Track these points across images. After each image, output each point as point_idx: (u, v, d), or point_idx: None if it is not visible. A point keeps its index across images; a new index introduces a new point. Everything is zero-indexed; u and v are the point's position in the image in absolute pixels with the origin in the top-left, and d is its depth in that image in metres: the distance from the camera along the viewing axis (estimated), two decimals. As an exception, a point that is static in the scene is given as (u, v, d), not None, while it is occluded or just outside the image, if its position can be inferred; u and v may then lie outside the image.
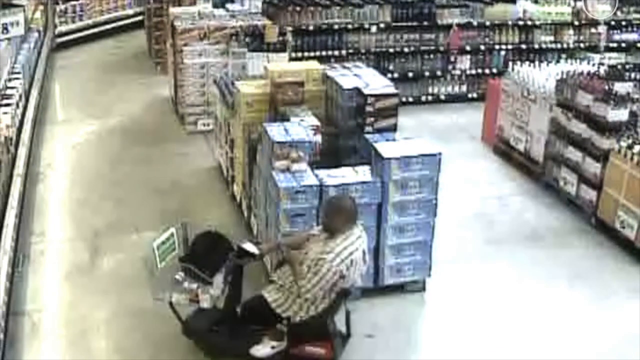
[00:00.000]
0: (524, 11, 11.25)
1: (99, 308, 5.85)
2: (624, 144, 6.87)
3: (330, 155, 6.27)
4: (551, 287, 6.23)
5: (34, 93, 9.95)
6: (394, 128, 6.22)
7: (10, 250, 5.78)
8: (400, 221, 5.80)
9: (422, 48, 10.93)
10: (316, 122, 6.24)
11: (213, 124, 9.11)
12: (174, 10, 10.84)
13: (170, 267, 5.25)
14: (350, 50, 10.65)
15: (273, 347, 5.03)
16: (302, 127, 6.03)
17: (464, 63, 11.12)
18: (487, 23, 11.12)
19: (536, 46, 11.27)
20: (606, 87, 7.14)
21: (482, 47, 11.14)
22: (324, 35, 10.58)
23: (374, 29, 10.71)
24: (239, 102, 6.96)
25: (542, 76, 8.36)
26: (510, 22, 11.20)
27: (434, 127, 9.70)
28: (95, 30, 15.24)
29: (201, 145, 9.29)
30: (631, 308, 5.89)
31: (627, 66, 10.10)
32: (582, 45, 11.38)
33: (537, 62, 8.99)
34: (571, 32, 11.36)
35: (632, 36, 11.56)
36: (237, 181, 7.35)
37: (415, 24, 10.86)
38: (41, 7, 13.23)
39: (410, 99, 10.83)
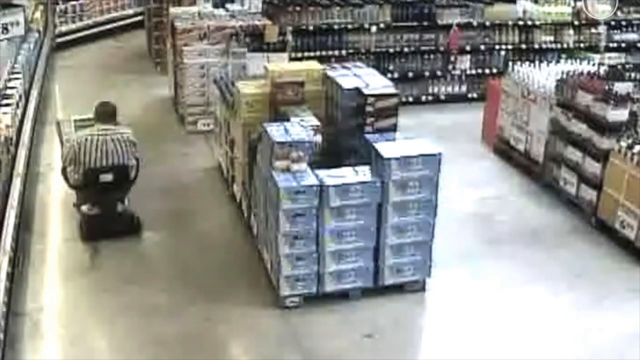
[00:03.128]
0: (524, 11, 11.25)
1: (99, 308, 5.85)
2: (624, 144, 6.87)
3: (330, 155, 6.28)
4: (551, 287, 6.23)
5: (34, 93, 9.94)
6: (394, 128, 6.22)
7: (10, 250, 5.78)
8: (400, 221, 5.80)
9: (422, 48, 10.94)
10: (316, 122, 6.24)
11: (213, 124, 9.11)
12: (174, 10, 10.85)
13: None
14: (350, 50, 10.66)
15: (89, 209, 6.84)
16: (302, 127, 6.03)
17: (464, 63, 11.12)
18: (487, 23, 11.13)
19: (536, 46, 11.27)
20: (606, 87, 7.14)
21: (482, 47, 11.14)
22: (324, 35, 10.58)
23: (374, 29, 10.71)
24: (239, 102, 6.96)
25: (542, 76, 8.37)
26: (510, 22, 11.21)
27: (434, 127, 9.68)
28: (95, 30, 15.25)
29: (201, 145, 9.29)
30: (631, 308, 5.89)
31: (627, 66, 10.12)
32: (582, 45, 11.38)
33: (537, 62, 8.98)
34: (571, 32, 11.36)
35: (632, 36, 11.56)
36: (237, 181, 7.35)
37: (415, 24, 10.87)
38: (41, 7, 13.24)
39: (410, 99, 10.82)
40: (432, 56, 11.02)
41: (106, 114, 6.89)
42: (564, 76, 7.84)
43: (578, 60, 9.20)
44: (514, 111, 8.67)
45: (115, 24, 15.67)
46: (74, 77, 12.56)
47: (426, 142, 5.97)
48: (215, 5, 11.09)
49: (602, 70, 8.16)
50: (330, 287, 5.83)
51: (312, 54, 10.40)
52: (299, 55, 10.30)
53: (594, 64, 8.96)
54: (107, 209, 6.86)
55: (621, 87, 7.08)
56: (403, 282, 6.01)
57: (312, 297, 5.81)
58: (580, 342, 5.53)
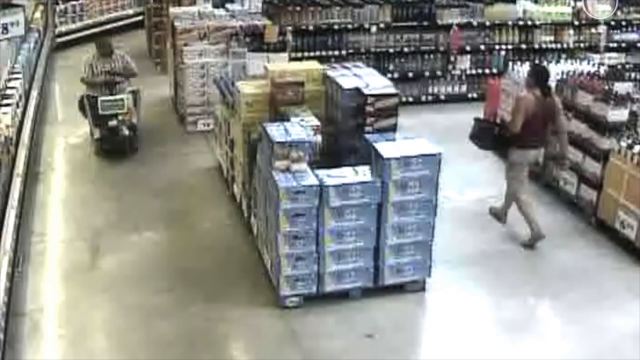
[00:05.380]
0: (524, 11, 11.26)
1: (99, 308, 5.86)
2: (624, 144, 6.87)
3: (330, 155, 6.28)
4: (551, 286, 6.23)
5: (34, 93, 9.94)
6: (394, 128, 6.23)
7: (10, 250, 5.79)
8: (400, 221, 5.80)
9: (422, 48, 10.94)
10: (316, 122, 6.24)
11: (213, 124, 9.11)
12: (174, 10, 10.85)
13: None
14: (350, 50, 10.66)
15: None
16: (302, 127, 6.03)
17: (464, 63, 11.12)
18: (487, 23, 11.13)
19: (536, 46, 11.28)
20: (606, 87, 7.14)
21: (482, 47, 11.15)
22: (324, 35, 10.59)
23: (374, 29, 10.71)
24: (239, 102, 6.96)
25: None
26: (510, 22, 11.22)
27: (434, 127, 9.67)
28: (95, 30, 15.21)
29: (201, 145, 9.29)
30: (631, 308, 5.89)
31: (627, 66, 10.11)
32: (582, 45, 11.38)
33: (537, 62, 8.97)
34: (571, 32, 11.36)
35: (632, 36, 11.56)
36: (237, 181, 7.35)
37: (415, 24, 10.88)
38: (41, 7, 13.24)
39: (410, 99, 10.82)
40: (432, 56, 11.02)
41: (99, 46, 8.99)
42: (564, 76, 7.84)
43: (578, 60, 9.20)
44: (514, 111, 8.65)
45: (115, 24, 15.67)
46: (74, 77, 12.45)
47: (426, 142, 5.98)
48: (215, 5, 11.09)
49: (602, 70, 8.16)
50: (330, 287, 5.83)
51: (312, 54, 10.40)
52: (299, 55, 10.30)
53: (594, 64, 8.96)
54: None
55: (621, 87, 7.09)
56: (403, 282, 6.01)
57: (312, 297, 5.81)
58: (581, 342, 5.53)
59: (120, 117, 8.67)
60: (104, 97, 8.68)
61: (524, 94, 6.75)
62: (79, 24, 14.99)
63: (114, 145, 8.75)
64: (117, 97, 8.73)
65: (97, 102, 8.65)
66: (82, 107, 9.06)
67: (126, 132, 8.73)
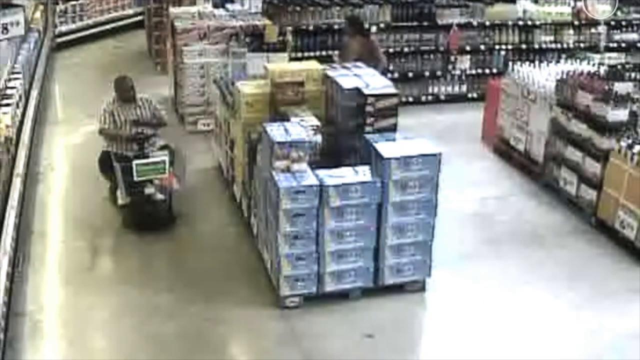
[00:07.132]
0: (524, 11, 11.27)
1: (99, 308, 5.86)
2: (624, 144, 6.87)
3: (330, 155, 6.27)
4: (551, 287, 6.23)
5: (34, 93, 9.95)
6: (394, 128, 6.22)
7: (10, 250, 5.79)
8: (400, 221, 5.80)
9: (422, 48, 10.94)
10: (316, 122, 6.24)
11: (213, 124, 9.11)
12: (174, 10, 10.86)
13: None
14: (350, 50, 10.66)
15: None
16: (302, 127, 6.03)
17: (464, 63, 11.13)
18: (487, 23, 11.14)
19: (536, 46, 11.29)
20: (606, 87, 7.14)
21: (482, 47, 11.15)
22: (324, 35, 10.59)
23: (374, 29, 10.71)
24: (239, 102, 6.96)
25: (542, 76, 8.37)
26: (510, 22, 11.22)
27: (434, 127, 9.68)
28: (95, 30, 15.26)
29: (201, 145, 9.29)
30: (631, 308, 5.89)
31: (627, 66, 10.11)
32: (582, 45, 11.39)
33: (537, 62, 8.99)
34: (571, 32, 11.37)
35: (632, 36, 11.57)
36: (237, 181, 7.35)
37: (415, 24, 10.88)
38: (41, 7, 13.25)
39: (410, 99, 10.82)
40: (432, 56, 11.02)
41: (120, 90, 7.46)
42: (564, 76, 7.84)
43: (578, 60, 9.20)
44: (514, 111, 8.67)
45: (115, 24, 15.68)
46: (74, 77, 12.56)
47: (426, 142, 5.97)
48: (215, 5, 11.11)
49: (602, 70, 8.16)
50: (330, 287, 5.83)
51: (312, 54, 10.40)
52: (299, 55, 10.30)
53: (594, 64, 8.96)
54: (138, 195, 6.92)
55: (621, 87, 7.08)
56: (403, 282, 6.01)
57: (312, 297, 5.81)
58: (581, 342, 5.53)
59: (157, 182, 6.94)
60: (140, 161, 6.80)
61: (348, 40, 8.86)
62: (79, 24, 15.01)
63: (148, 215, 6.97)
64: (157, 159, 6.87)
65: (132, 166, 6.75)
66: (104, 168, 7.32)
67: (160, 196, 6.99)
